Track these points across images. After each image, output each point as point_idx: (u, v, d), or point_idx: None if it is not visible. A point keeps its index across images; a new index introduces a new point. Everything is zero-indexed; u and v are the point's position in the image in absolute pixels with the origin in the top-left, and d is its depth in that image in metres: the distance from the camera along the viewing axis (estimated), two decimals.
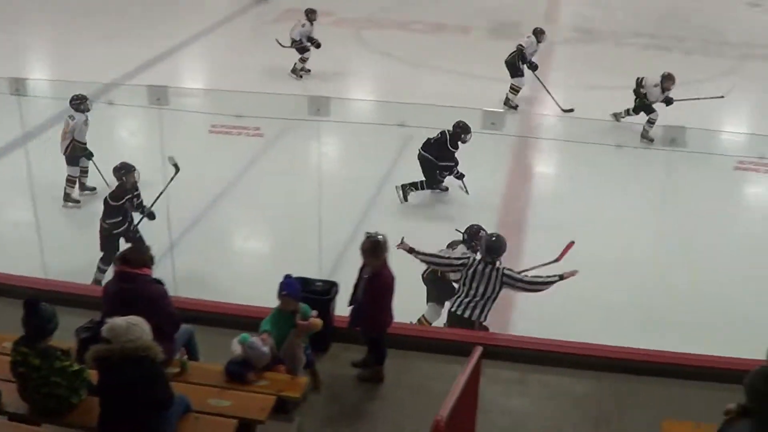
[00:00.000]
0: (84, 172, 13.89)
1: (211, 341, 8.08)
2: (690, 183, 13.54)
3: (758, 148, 13.80)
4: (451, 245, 10.51)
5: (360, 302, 8.11)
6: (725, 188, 13.86)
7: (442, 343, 8.75)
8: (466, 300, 9.17)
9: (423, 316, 10.43)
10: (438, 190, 13.97)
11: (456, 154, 13.81)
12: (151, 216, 11.61)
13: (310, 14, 19.62)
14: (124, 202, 11.40)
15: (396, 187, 13.75)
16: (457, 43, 22.96)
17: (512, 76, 18.03)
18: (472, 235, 10.44)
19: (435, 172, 13.81)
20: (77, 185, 13.77)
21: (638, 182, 13.91)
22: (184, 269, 11.05)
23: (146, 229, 11.56)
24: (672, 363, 8.56)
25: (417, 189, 13.78)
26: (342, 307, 8.52)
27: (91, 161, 13.69)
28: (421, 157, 13.91)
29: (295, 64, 19.58)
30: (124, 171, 11.49)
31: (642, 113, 16.42)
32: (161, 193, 11.36)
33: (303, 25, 19.44)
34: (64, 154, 13.56)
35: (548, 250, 10.40)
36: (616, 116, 16.77)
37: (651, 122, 16.14)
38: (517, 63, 17.93)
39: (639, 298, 10.82)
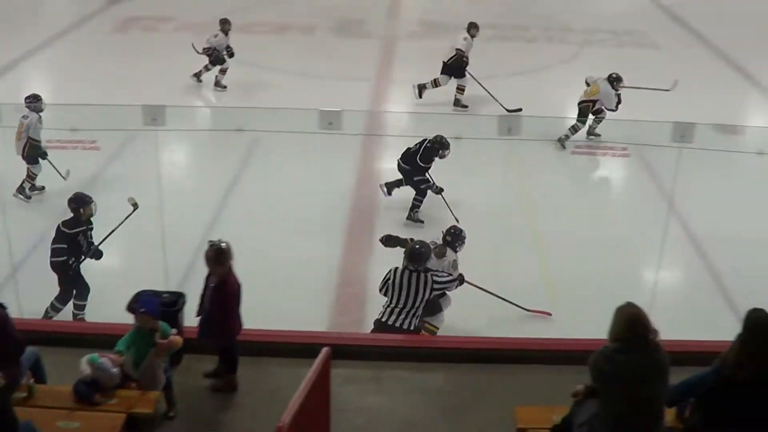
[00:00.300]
0: (32, 176, 13.58)
1: (62, 362, 7.80)
2: (533, 168, 13.70)
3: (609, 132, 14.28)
4: (438, 253, 10.31)
5: (208, 311, 7.93)
6: (566, 172, 14.07)
7: (295, 346, 8.62)
8: (396, 309, 9.26)
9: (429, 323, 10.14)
10: (417, 221, 13.18)
11: (428, 171, 13.15)
12: (98, 254, 10.79)
13: (224, 24, 18.91)
14: (77, 234, 10.57)
15: (407, 217, 13.23)
16: (301, 44, 22.81)
17: (456, 78, 17.92)
18: (455, 236, 10.50)
19: (414, 183, 13.20)
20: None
21: (477, 174, 14.01)
22: (28, 290, 10.65)
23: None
24: (523, 349, 8.64)
25: (417, 208, 13.17)
26: (191, 318, 8.34)
27: (46, 160, 13.36)
28: (400, 168, 13.38)
29: (216, 77, 18.82)
30: (78, 203, 10.64)
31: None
32: (112, 231, 10.76)
33: (216, 36, 18.72)
34: (22, 155, 13.23)
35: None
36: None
37: (598, 120, 16.13)
38: (462, 65, 17.86)
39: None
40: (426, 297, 9.30)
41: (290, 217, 10.89)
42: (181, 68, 18.89)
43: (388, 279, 9.49)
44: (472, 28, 18.15)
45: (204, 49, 18.58)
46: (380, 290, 9.64)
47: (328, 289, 11.17)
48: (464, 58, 17.75)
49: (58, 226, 10.63)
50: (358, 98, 17.80)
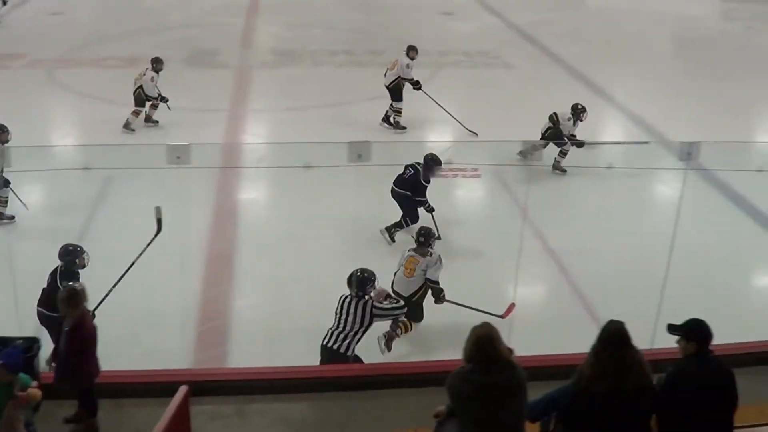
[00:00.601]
0: (3, 201, 13.27)
1: None
2: (385, 194, 13.80)
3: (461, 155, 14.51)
4: (422, 253, 11.01)
5: (64, 355, 7.80)
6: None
7: (155, 386, 8.52)
8: (335, 332, 9.45)
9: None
10: (391, 239, 13.36)
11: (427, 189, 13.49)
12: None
13: (156, 64, 18.35)
14: None
15: (381, 231, 13.30)
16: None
17: (394, 101, 18.43)
18: (427, 235, 11.17)
19: (413, 206, 13.46)
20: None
21: (327, 199, 14.07)
22: None
23: None
24: (387, 374, 8.71)
25: (402, 227, 13.37)
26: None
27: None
28: (395, 194, 13.57)
29: (146, 112, 18.29)
30: (74, 255, 10.10)
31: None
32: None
33: (152, 79, 18.04)
34: None
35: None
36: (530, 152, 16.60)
37: (563, 153, 16.32)
38: (401, 88, 18.28)
39: None
40: (366, 323, 9.49)
41: (146, 253, 10.71)
42: (33, 106, 18.51)
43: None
44: (411, 51, 18.61)
45: (158, 96, 18.10)
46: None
47: (189, 324, 11.04)
48: (412, 83, 18.31)
49: (53, 279, 10.00)
50: (213, 130, 17.74)
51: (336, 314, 9.64)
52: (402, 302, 10.07)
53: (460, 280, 11.62)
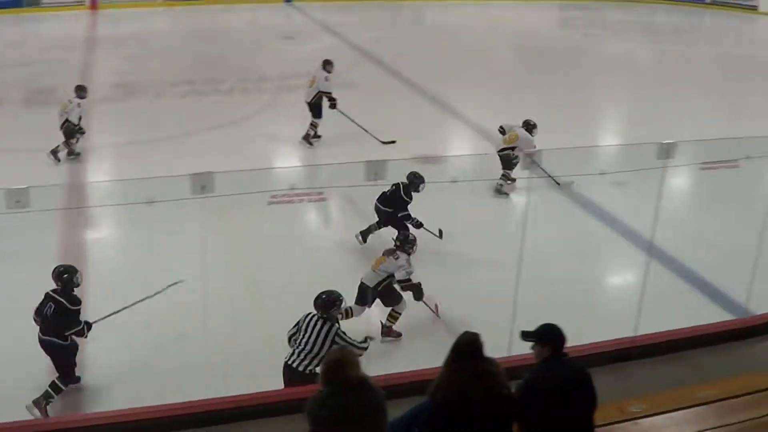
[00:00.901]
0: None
1: None
2: (232, 225, 13.71)
3: (290, 180, 14.46)
4: (387, 252, 11.87)
5: None
6: (266, 223, 14.18)
7: None
8: (297, 350, 9.62)
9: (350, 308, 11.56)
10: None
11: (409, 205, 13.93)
12: (88, 328, 10.26)
13: (80, 91, 17.90)
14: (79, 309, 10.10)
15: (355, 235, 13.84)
16: None
17: (315, 117, 19.06)
18: (404, 241, 11.92)
19: (396, 222, 13.80)
20: None
21: (178, 234, 13.71)
22: None
23: None
24: (242, 405, 8.59)
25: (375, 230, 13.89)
26: None
27: None
28: (379, 211, 14.09)
29: (69, 143, 17.76)
30: (72, 273, 10.15)
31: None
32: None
33: (79, 105, 17.69)
34: None
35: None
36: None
37: (506, 177, 16.55)
38: (321, 103, 18.90)
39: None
40: (327, 346, 9.51)
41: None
42: None
43: (299, 322, 9.80)
44: (327, 65, 19.13)
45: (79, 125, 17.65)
46: (288, 334, 9.91)
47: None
48: (330, 98, 18.88)
49: (60, 303, 9.97)
50: (55, 170, 17.33)
51: (299, 329, 9.72)
52: (367, 344, 10.20)
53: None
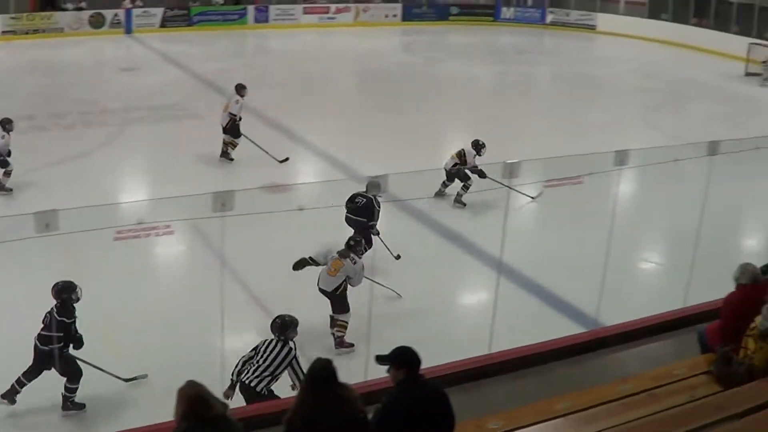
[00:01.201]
0: None
1: None
2: (77, 262, 13.48)
3: (137, 214, 14.29)
4: (342, 253, 12.25)
5: None
6: (112, 261, 13.98)
7: None
8: (252, 367, 9.93)
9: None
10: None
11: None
12: (81, 342, 10.62)
13: (7, 124, 17.32)
14: (73, 321, 10.46)
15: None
16: None
17: (233, 137, 20.12)
18: (357, 243, 12.45)
19: (368, 232, 14.11)
20: None
21: (23, 275, 13.58)
22: None
23: None
24: None
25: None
26: None
27: None
28: (351, 222, 14.38)
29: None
30: (69, 291, 10.50)
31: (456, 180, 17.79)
32: None
33: (2, 137, 17.12)
34: None
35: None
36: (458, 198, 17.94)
37: (466, 187, 17.56)
38: (237, 124, 19.98)
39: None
40: (283, 367, 9.86)
41: None
42: None
43: (258, 346, 10.16)
44: (242, 89, 20.08)
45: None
46: (242, 359, 10.16)
47: None
48: (237, 121, 19.96)
49: (54, 317, 10.32)
50: None
51: (257, 352, 10.03)
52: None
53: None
